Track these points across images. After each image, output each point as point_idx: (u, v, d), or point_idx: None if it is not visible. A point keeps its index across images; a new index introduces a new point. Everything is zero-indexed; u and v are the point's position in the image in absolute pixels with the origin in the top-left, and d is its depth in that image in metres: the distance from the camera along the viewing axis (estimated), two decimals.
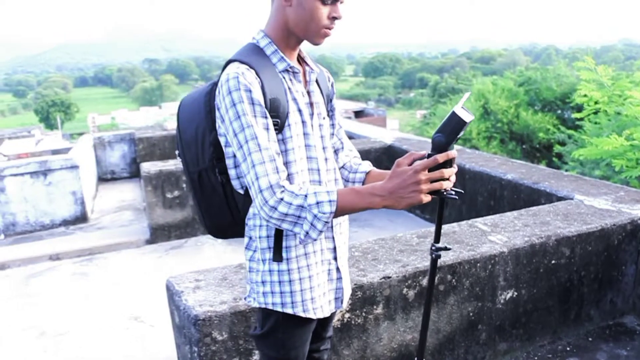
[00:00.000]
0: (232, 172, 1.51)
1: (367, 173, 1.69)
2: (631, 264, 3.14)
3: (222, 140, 1.48)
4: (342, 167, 1.74)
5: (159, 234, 5.08)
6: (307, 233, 1.35)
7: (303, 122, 1.51)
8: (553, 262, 2.84)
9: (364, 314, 2.35)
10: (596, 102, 5.05)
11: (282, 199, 1.33)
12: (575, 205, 3.33)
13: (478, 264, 2.60)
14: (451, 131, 1.33)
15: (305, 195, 1.34)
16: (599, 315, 3.10)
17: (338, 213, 1.35)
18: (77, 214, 6.26)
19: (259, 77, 1.41)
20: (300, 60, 1.60)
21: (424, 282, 2.45)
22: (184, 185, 5.00)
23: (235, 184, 1.52)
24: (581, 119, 10.31)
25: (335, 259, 1.58)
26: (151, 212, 5.01)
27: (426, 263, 2.46)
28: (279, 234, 1.48)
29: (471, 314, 2.65)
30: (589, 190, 3.66)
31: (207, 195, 1.57)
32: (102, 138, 8.18)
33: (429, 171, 1.31)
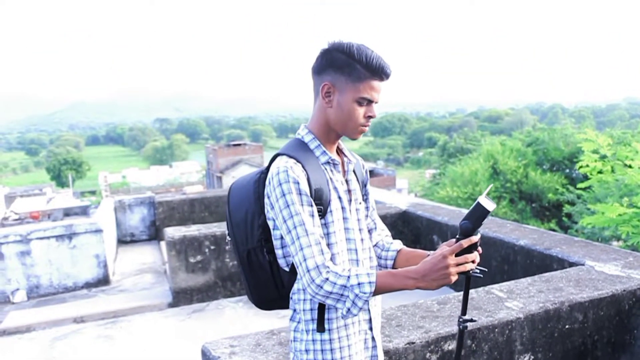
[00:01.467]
0: (278, 252, 1.71)
1: (399, 251, 1.89)
2: None
3: (270, 223, 1.69)
4: (375, 245, 1.94)
5: (181, 297, 5.23)
6: (348, 309, 1.54)
7: (342, 207, 1.72)
8: (567, 326, 2.97)
9: None
10: (599, 172, 5.27)
11: (327, 279, 1.52)
12: (587, 271, 3.48)
13: (496, 330, 2.74)
14: (476, 219, 1.55)
15: (348, 277, 1.53)
16: None
17: (376, 293, 1.54)
18: (100, 277, 6.44)
19: (305, 170, 1.63)
20: (339, 151, 1.83)
21: (446, 347, 2.59)
22: (207, 250, 5.20)
23: (281, 262, 1.72)
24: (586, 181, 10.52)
25: (370, 329, 1.75)
26: (174, 275, 5.19)
27: (447, 329, 2.61)
28: (321, 307, 1.66)
29: None
30: (599, 256, 3.81)
31: (255, 271, 1.77)
32: (123, 201, 8.45)
33: (456, 255, 1.52)
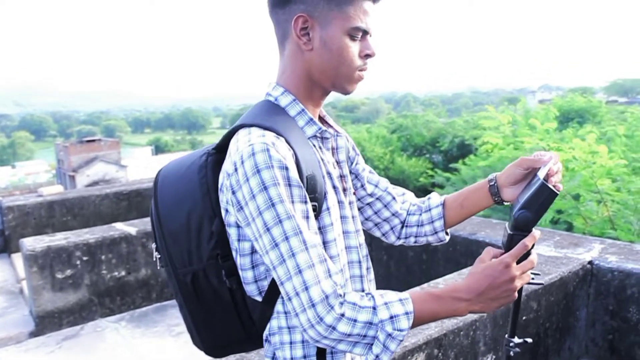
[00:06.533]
0: (247, 275, 1.12)
1: (443, 205, 1.40)
2: (583, 308, 3.09)
3: (232, 231, 1.10)
4: (408, 214, 1.44)
5: (47, 322, 4.27)
6: (376, 357, 1.00)
7: (340, 202, 1.18)
8: (524, 318, 2.69)
9: None
10: (501, 149, 5.22)
11: (342, 315, 0.99)
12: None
13: (462, 332, 2.35)
14: (540, 206, 1.11)
15: (374, 308, 1.01)
16: None
17: (414, 326, 1.03)
18: None
19: (292, 148, 1.06)
20: (321, 120, 1.27)
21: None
22: (78, 262, 4.28)
23: (249, 289, 1.13)
24: (456, 162, 10.92)
25: None
26: (36, 296, 4.21)
27: (413, 339, 2.16)
28: (321, 353, 1.10)
29: None
30: None
31: (207, 303, 1.16)
32: None
33: (517, 262, 1.08)
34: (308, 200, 1.05)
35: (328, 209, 1.12)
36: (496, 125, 4.99)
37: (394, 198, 1.43)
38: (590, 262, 3.03)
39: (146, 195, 6.91)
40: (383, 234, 1.46)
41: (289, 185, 1.01)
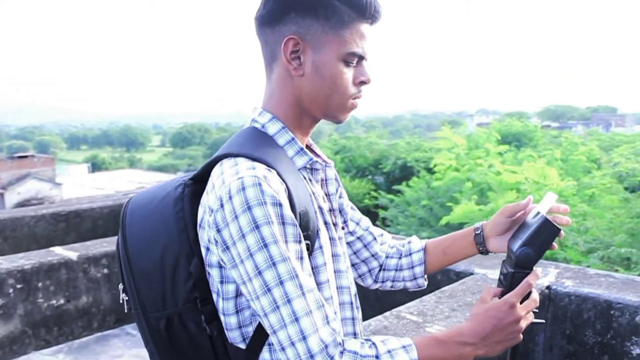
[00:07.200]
0: (230, 320, 1.01)
1: (425, 250, 1.34)
2: (541, 333, 3.11)
3: (214, 272, 0.99)
4: (387, 257, 1.38)
5: None
6: None
7: (331, 239, 1.09)
8: None
9: None
10: (456, 169, 5.31)
11: None
12: (482, 280, 3.24)
13: None
14: (542, 243, 1.08)
15: (377, 357, 0.92)
16: None
17: None
18: None
19: (284, 182, 0.97)
20: (309, 149, 1.18)
21: None
22: (11, 291, 3.96)
23: (232, 336, 1.02)
24: (399, 184, 11.08)
25: None
26: None
27: None
28: None
29: None
30: (482, 262, 3.62)
31: (182, 352, 1.04)
32: None
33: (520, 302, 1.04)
34: (302, 239, 0.96)
35: (321, 247, 1.03)
36: (451, 146, 5.09)
37: (374, 238, 1.37)
38: (548, 287, 3.05)
39: (85, 216, 6.57)
40: (360, 276, 1.39)
41: (283, 223, 0.92)
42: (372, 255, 1.36)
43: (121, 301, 1.09)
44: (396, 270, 1.37)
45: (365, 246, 1.35)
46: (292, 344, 0.89)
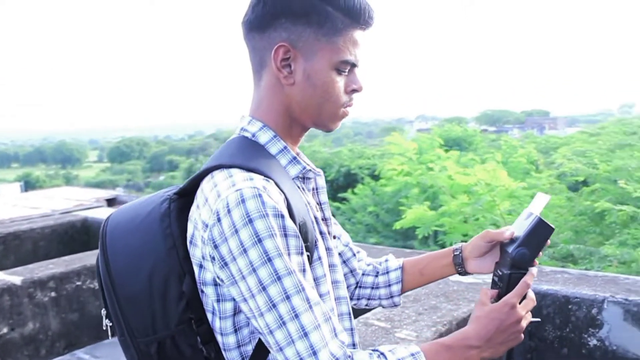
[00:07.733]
0: (228, 340, 0.96)
1: (402, 269, 1.32)
2: None
3: (209, 291, 0.95)
4: (363, 274, 1.35)
5: None
6: None
7: (328, 249, 1.06)
8: None
9: None
10: (407, 174, 5.39)
11: None
12: (444, 282, 3.26)
13: None
14: (538, 243, 1.10)
15: None
16: None
17: None
18: None
19: (283, 192, 0.93)
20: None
21: None
22: None
23: (231, 356, 0.97)
24: (344, 191, 11.18)
25: None
26: None
27: None
28: None
29: None
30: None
31: None
32: None
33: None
34: (304, 250, 0.92)
35: (319, 258, 1.00)
36: (402, 151, 5.19)
37: (354, 254, 1.35)
38: None
39: (25, 237, 6.25)
40: None
41: (285, 235, 0.89)
42: (351, 272, 1.34)
43: (104, 327, 1.01)
44: (372, 288, 1.35)
45: (344, 262, 1.32)
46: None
